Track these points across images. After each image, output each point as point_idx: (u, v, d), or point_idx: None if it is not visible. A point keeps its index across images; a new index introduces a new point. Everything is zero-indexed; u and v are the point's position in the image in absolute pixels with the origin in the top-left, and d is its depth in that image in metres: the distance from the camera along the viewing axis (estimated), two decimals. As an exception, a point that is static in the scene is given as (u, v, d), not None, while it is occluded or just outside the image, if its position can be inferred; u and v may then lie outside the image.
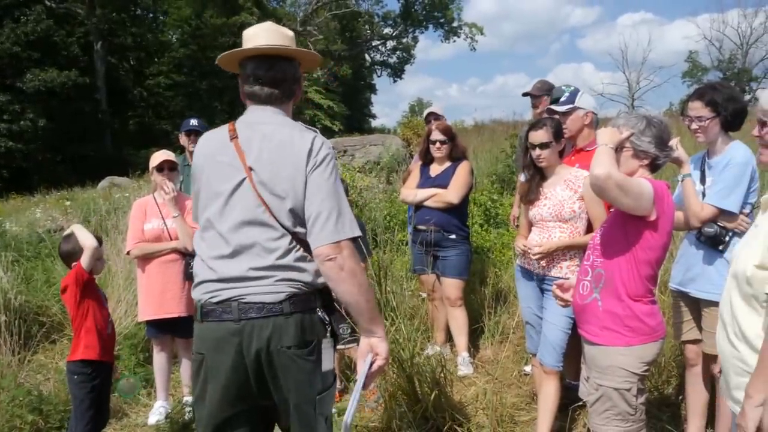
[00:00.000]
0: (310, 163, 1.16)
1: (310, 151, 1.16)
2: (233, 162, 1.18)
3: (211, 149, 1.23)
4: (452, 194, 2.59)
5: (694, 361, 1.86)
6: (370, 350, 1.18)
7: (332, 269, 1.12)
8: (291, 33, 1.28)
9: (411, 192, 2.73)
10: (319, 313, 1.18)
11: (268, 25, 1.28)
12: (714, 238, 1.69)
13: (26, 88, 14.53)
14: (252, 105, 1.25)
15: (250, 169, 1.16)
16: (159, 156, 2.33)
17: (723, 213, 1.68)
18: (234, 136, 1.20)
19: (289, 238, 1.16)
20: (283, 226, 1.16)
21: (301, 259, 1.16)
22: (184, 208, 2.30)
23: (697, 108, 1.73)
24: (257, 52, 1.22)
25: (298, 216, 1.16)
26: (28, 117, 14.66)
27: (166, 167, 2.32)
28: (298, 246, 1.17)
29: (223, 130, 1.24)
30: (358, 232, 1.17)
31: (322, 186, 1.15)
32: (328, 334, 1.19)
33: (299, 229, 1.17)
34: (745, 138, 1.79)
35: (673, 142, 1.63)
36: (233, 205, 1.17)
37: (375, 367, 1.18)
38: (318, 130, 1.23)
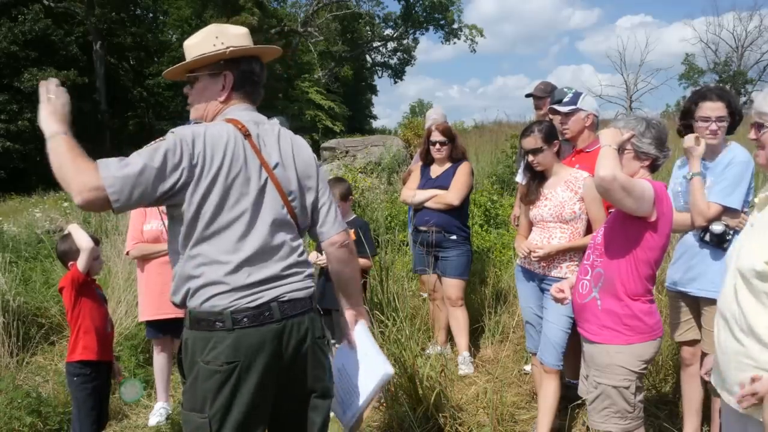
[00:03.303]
0: (316, 160, 1.28)
1: (310, 149, 1.29)
2: (252, 162, 1.15)
3: (223, 143, 1.13)
4: (453, 195, 2.61)
5: (689, 361, 1.87)
6: (357, 317, 1.36)
7: (345, 252, 1.29)
8: (245, 31, 1.27)
9: (410, 193, 2.74)
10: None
11: (227, 27, 1.26)
12: (720, 236, 1.69)
13: (24, 87, 14.48)
14: (235, 104, 1.22)
15: (275, 167, 1.18)
16: None
17: (727, 210, 1.68)
18: (247, 134, 1.17)
19: (300, 237, 1.24)
20: (298, 225, 1.23)
21: (305, 255, 1.25)
22: None
23: (719, 108, 1.70)
24: (249, 52, 1.22)
25: (309, 214, 1.26)
26: (26, 117, 14.60)
27: None
28: (303, 245, 1.25)
29: (227, 127, 1.16)
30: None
31: (325, 180, 1.29)
32: (322, 322, 1.27)
33: (305, 228, 1.28)
34: (740, 141, 1.81)
35: (691, 138, 1.63)
36: (264, 207, 1.16)
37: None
38: None
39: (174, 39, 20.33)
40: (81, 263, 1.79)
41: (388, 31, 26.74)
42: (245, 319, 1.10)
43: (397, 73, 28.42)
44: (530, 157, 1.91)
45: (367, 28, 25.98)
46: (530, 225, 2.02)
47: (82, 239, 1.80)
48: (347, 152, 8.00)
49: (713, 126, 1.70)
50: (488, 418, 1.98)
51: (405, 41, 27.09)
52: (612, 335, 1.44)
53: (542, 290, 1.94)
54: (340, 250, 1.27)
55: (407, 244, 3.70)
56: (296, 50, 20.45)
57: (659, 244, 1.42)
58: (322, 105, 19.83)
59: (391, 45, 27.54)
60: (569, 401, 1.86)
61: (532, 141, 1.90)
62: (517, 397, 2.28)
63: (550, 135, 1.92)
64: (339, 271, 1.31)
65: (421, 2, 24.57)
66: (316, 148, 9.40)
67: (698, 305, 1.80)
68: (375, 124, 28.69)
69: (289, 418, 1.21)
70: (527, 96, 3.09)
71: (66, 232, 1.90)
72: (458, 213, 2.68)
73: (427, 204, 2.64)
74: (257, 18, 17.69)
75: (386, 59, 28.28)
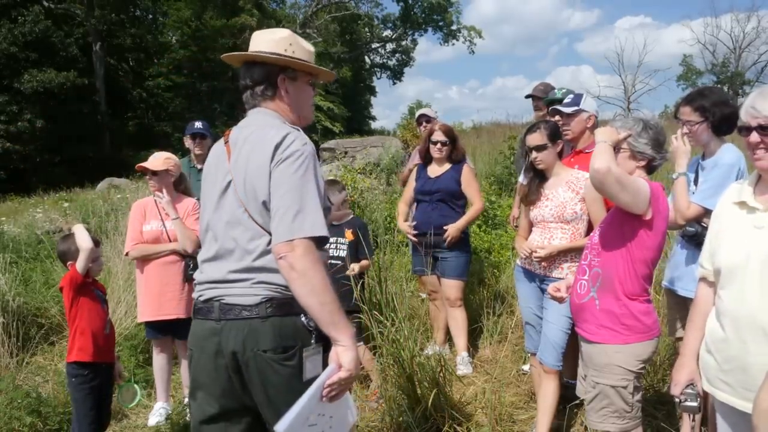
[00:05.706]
0: (276, 157, 1.10)
1: (278, 145, 1.10)
2: (222, 167, 1.22)
3: (213, 155, 1.29)
4: (478, 205, 2.68)
5: None
6: (336, 360, 1.06)
7: (284, 268, 1.05)
8: (279, 35, 1.23)
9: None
10: (303, 319, 1.11)
11: (259, 33, 1.29)
12: (695, 237, 1.71)
13: (24, 88, 14.49)
14: (248, 109, 1.28)
15: (231, 170, 1.19)
16: (149, 161, 2.29)
17: (708, 212, 1.67)
18: (227, 140, 1.24)
19: (267, 238, 1.12)
20: (260, 226, 1.12)
21: (270, 258, 1.12)
22: (184, 209, 2.31)
23: (687, 113, 1.78)
24: (242, 58, 1.26)
25: (269, 213, 1.12)
26: (26, 118, 14.62)
27: (148, 173, 2.27)
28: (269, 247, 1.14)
29: (222, 138, 1.30)
30: (319, 232, 1.07)
31: (285, 181, 1.08)
32: (312, 341, 1.12)
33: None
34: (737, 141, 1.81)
35: (676, 137, 1.65)
36: (222, 208, 1.19)
37: (335, 378, 1.05)
38: (300, 130, 1.19)
39: (174, 40, 20.34)
40: (80, 263, 1.80)
41: (387, 33, 26.80)
42: (199, 312, 1.20)
43: (396, 74, 28.45)
44: (533, 154, 1.92)
45: (366, 29, 26.02)
46: (530, 226, 2.03)
47: (82, 239, 1.81)
48: (346, 153, 8.01)
49: (684, 129, 1.78)
50: (487, 418, 1.99)
51: (404, 42, 27.14)
52: (610, 335, 1.45)
53: (542, 291, 1.95)
54: (278, 264, 1.06)
55: (406, 245, 3.71)
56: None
57: (655, 243, 1.43)
58: (321, 106, 19.84)
59: (390, 46, 27.59)
60: (567, 401, 1.87)
61: (538, 137, 1.90)
62: (516, 397, 2.29)
63: (555, 134, 1.93)
64: (292, 290, 1.06)
65: (419, 3, 24.62)
66: (316, 149, 9.39)
67: (685, 304, 1.79)
68: (374, 125, 28.68)
69: None
70: (527, 97, 3.10)
71: (69, 231, 1.91)
72: (457, 214, 2.68)
73: (464, 223, 2.61)
74: (256, 19, 17.73)
75: (385, 60, 28.33)
